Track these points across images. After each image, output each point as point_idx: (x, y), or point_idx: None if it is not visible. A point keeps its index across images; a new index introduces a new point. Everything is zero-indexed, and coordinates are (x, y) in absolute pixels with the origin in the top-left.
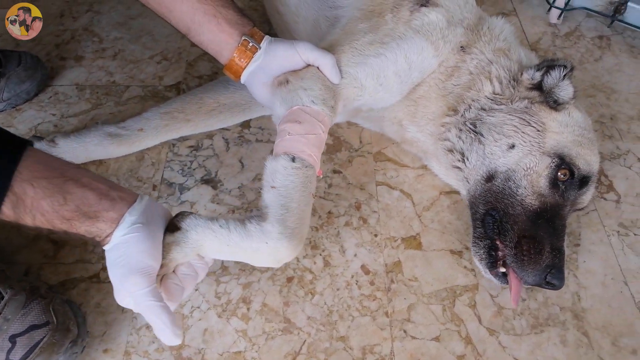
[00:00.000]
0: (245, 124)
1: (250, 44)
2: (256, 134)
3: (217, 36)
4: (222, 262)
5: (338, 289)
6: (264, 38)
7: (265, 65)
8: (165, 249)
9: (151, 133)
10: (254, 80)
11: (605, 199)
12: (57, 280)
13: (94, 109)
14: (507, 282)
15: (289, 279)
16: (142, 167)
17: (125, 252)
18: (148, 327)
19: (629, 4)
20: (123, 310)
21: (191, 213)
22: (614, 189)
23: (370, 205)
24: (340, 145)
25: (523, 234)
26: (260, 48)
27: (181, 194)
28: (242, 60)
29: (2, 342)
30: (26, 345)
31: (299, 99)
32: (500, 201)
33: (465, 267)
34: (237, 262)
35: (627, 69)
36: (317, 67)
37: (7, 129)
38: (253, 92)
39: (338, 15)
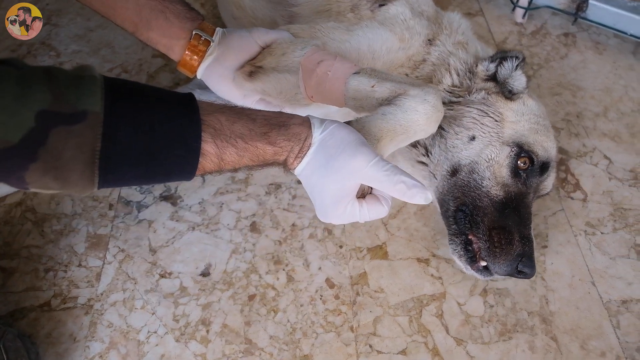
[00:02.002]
0: None
1: (203, 38)
2: None
3: (167, 31)
4: (181, 282)
5: (302, 305)
6: (216, 30)
7: (221, 57)
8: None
9: None
10: (211, 75)
11: (572, 198)
12: (6, 311)
13: None
14: (490, 275)
15: (251, 297)
16: None
17: (337, 139)
18: (102, 356)
19: (589, 1)
20: (75, 339)
21: (355, 119)
22: (581, 188)
23: None
24: None
25: (493, 225)
26: (213, 41)
27: (139, 212)
28: (195, 55)
29: None
30: None
31: (291, 58)
32: (467, 195)
33: (432, 275)
34: (196, 282)
35: (592, 66)
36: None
37: None
38: (211, 86)
39: (294, 14)
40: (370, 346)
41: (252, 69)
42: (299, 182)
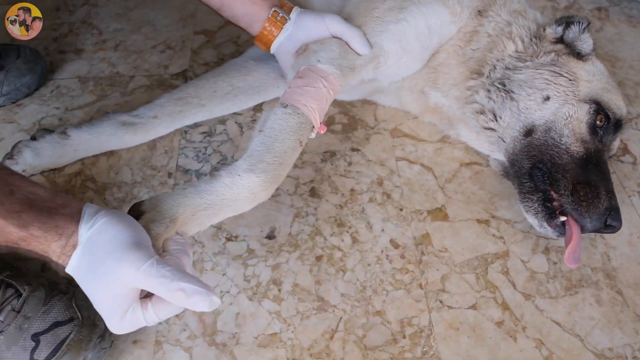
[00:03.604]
0: (258, 108)
1: (280, 15)
2: None
3: (249, 8)
4: (248, 245)
5: (369, 265)
6: (293, 9)
7: (293, 35)
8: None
9: (165, 120)
10: (282, 50)
11: (622, 161)
12: None
13: (99, 100)
14: (563, 234)
15: (318, 258)
16: (155, 156)
17: (105, 238)
18: (177, 314)
19: None
20: None
21: (145, 200)
22: (630, 152)
23: (392, 180)
24: (356, 123)
25: (577, 180)
26: (289, 19)
27: (198, 180)
28: (272, 30)
29: (24, 341)
30: (51, 343)
31: (307, 60)
32: (545, 153)
33: (493, 235)
34: (263, 245)
35: (627, 38)
36: (345, 42)
37: (9, 124)
38: (280, 61)
39: None
40: (441, 302)
41: (304, 48)
42: (353, 149)
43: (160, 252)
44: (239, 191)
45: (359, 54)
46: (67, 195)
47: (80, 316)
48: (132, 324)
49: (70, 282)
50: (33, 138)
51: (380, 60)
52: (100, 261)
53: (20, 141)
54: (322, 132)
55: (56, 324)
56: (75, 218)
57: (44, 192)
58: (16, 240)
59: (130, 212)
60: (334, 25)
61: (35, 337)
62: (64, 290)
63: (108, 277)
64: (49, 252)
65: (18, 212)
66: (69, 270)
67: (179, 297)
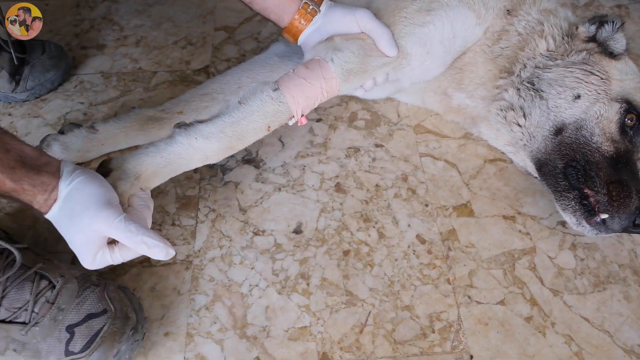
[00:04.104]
0: None
1: (311, 7)
2: None
3: (280, 1)
4: (275, 239)
5: (396, 260)
6: (324, 2)
7: (322, 28)
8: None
9: (191, 115)
10: (310, 42)
11: None
12: (108, 267)
13: (123, 95)
14: (601, 232)
15: (345, 252)
16: None
17: (82, 195)
18: (208, 307)
19: None
20: (179, 292)
21: (112, 157)
22: None
23: (417, 176)
24: (379, 120)
25: (609, 179)
26: (320, 11)
27: (224, 174)
28: (302, 22)
29: (59, 333)
30: (85, 335)
31: (324, 53)
32: (577, 151)
33: (519, 231)
34: (290, 239)
35: None
36: (372, 39)
37: (35, 119)
38: (306, 52)
39: None
40: (469, 297)
41: (330, 39)
42: (377, 145)
43: (126, 207)
44: (194, 152)
45: (386, 55)
46: (49, 155)
47: (113, 308)
48: (101, 262)
49: (101, 274)
50: (61, 132)
51: (403, 62)
52: (77, 215)
53: (49, 135)
54: (300, 124)
55: (90, 316)
56: (56, 175)
57: (30, 150)
58: (8, 191)
59: (98, 169)
60: (363, 21)
61: (70, 329)
62: (95, 283)
63: (84, 228)
64: (34, 202)
65: (13, 168)
66: (49, 217)
67: (142, 248)
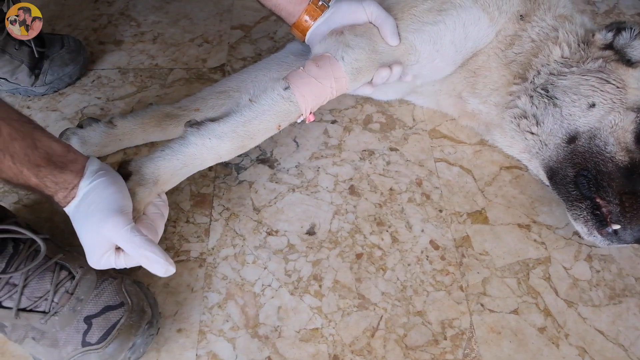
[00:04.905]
0: None
1: (320, 2)
2: None
3: None
4: (289, 240)
5: (409, 265)
6: None
7: (330, 20)
8: (130, 193)
9: (208, 113)
10: (317, 33)
11: None
12: None
13: (140, 91)
14: (613, 242)
15: (358, 256)
16: None
17: (98, 197)
18: (220, 305)
19: None
20: (193, 289)
21: (132, 158)
22: None
23: (432, 181)
24: (394, 123)
25: (622, 190)
26: (329, 6)
27: (238, 173)
28: (311, 18)
29: (77, 323)
30: (103, 327)
31: (335, 50)
32: (589, 160)
33: (534, 240)
34: (303, 240)
35: None
36: (377, 28)
37: (53, 112)
38: (313, 45)
39: None
40: (482, 305)
41: (339, 31)
42: (391, 149)
43: (140, 213)
44: (207, 152)
45: (388, 43)
46: (76, 151)
47: (130, 301)
48: (106, 264)
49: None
50: (80, 126)
51: (411, 58)
52: (90, 215)
53: (68, 128)
54: (308, 121)
55: (107, 308)
56: (79, 173)
57: (58, 147)
58: (31, 185)
59: (118, 170)
60: (371, 8)
61: (88, 320)
62: (113, 275)
63: (93, 229)
64: (54, 197)
65: (39, 165)
66: (66, 210)
67: (143, 261)
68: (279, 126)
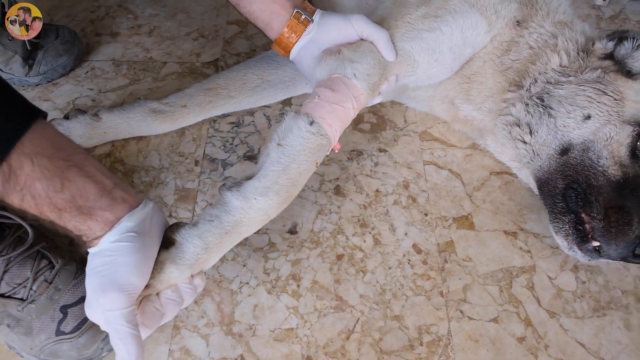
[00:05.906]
0: (287, 102)
1: (303, 17)
2: None
3: (269, 6)
4: (270, 238)
5: (390, 268)
6: (316, 11)
7: (318, 38)
8: (158, 267)
9: (194, 110)
10: (305, 55)
11: None
12: None
13: (132, 84)
14: (597, 258)
15: (339, 257)
16: (183, 143)
17: (111, 262)
18: (196, 301)
19: None
20: None
21: (186, 224)
22: None
23: (419, 184)
24: (385, 124)
25: (609, 204)
26: (312, 21)
27: (224, 169)
28: (293, 34)
29: (53, 312)
30: (78, 316)
31: (342, 69)
32: (581, 173)
33: (520, 248)
34: (284, 239)
35: None
36: (371, 43)
37: (45, 102)
38: (301, 66)
39: None
40: (461, 312)
41: (335, 50)
42: (380, 150)
43: (155, 293)
44: (255, 214)
45: (384, 59)
46: (115, 194)
47: None
48: (97, 321)
49: None
50: (66, 117)
51: (409, 69)
52: (98, 274)
53: (53, 119)
54: (336, 150)
55: (84, 299)
56: (108, 227)
57: (94, 187)
58: (46, 223)
59: (167, 229)
60: (360, 26)
61: (64, 309)
62: None
63: (94, 289)
64: (73, 237)
65: (60, 209)
66: (87, 253)
67: (115, 348)
68: (317, 163)
